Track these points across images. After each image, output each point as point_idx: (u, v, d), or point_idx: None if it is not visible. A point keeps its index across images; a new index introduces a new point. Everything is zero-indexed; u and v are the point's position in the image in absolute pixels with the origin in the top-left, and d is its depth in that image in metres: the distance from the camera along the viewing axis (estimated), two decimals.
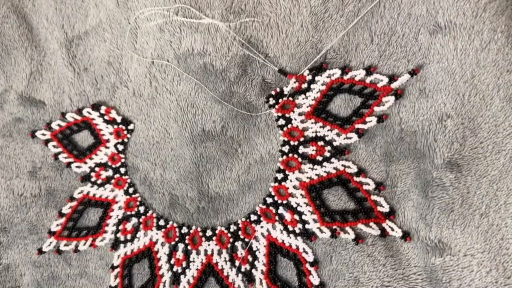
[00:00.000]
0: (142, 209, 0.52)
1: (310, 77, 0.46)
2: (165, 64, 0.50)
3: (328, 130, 0.46)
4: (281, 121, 0.47)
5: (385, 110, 0.44)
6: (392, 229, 0.44)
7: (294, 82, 0.46)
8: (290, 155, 0.47)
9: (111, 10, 0.52)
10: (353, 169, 0.45)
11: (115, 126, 0.53)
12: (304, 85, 0.46)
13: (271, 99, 0.47)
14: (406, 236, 0.43)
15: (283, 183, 0.48)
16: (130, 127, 0.52)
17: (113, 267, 0.52)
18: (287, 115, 0.47)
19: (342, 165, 0.45)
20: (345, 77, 0.44)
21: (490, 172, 0.41)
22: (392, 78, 0.43)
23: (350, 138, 0.45)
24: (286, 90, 0.47)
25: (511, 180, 0.40)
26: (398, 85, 0.43)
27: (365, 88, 0.44)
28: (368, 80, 0.44)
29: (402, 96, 0.43)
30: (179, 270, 0.50)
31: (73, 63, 0.53)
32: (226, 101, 0.48)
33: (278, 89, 0.47)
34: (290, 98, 0.47)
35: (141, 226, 0.52)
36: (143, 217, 0.52)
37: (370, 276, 0.44)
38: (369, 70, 0.44)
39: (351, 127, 0.45)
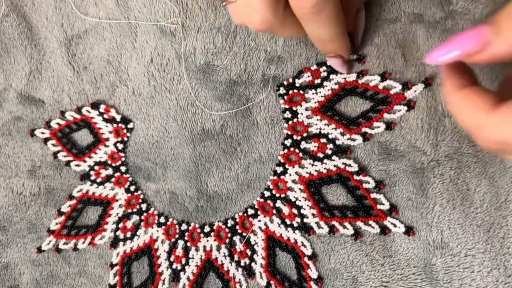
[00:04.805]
0: (144, 206, 0.52)
1: (325, 73, 0.45)
2: (164, 63, 0.50)
3: (332, 129, 0.45)
4: (288, 114, 0.47)
5: (394, 118, 0.43)
6: (395, 225, 0.43)
7: (308, 76, 0.46)
8: (292, 149, 0.47)
9: (111, 9, 0.52)
10: (354, 167, 0.45)
11: (115, 125, 0.53)
12: (317, 81, 0.45)
13: (281, 88, 0.47)
14: (409, 231, 0.43)
15: (282, 177, 0.47)
16: (130, 125, 0.52)
17: (112, 265, 0.52)
18: (294, 108, 0.47)
19: (343, 163, 0.45)
20: (360, 81, 0.44)
21: (488, 169, 0.41)
22: (406, 85, 0.42)
23: (354, 140, 0.45)
24: (298, 82, 0.46)
25: (511, 177, 0.40)
26: (412, 95, 0.42)
27: (377, 93, 0.43)
28: (381, 86, 0.43)
29: (414, 108, 0.42)
30: (179, 267, 0.50)
31: (73, 62, 0.53)
32: (227, 100, 0.48)
33: (290, 80, 0.46)
34: (301, 91, 0.46)
35: (142, 223, 0.52)
36: (145, 214, 0.52)
37: (369, 276, 0.44)
38: (384, 76, 0.43)
39: (356, 129, 0.44)
